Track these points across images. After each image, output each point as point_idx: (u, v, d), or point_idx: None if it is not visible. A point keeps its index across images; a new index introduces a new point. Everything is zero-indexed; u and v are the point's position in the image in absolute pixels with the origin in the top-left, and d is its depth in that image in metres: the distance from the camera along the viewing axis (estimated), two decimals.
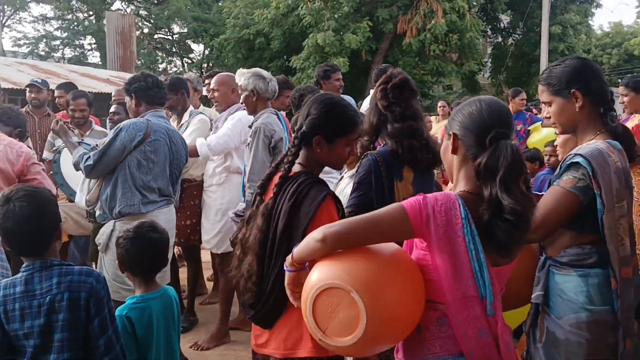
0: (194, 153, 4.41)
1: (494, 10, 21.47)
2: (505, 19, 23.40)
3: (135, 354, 2.54)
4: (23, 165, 3.58)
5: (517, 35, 23.02)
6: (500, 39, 24.23)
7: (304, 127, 2.22)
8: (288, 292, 1.93)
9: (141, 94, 3.88)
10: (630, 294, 2.16)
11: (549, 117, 2.39)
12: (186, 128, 4.80)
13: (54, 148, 5.00)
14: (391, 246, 1.80)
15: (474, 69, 19.41)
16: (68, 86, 6.40)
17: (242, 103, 4.21)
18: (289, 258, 1.88)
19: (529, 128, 6.79)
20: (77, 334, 2.20)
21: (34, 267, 2.21)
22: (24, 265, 2.24)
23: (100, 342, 2.24)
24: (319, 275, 1.74)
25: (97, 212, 3.93)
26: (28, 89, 6.11)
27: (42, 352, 2.19)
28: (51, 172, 4.61)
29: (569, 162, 2.19)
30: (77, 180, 4.17)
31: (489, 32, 23.52)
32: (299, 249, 1.83)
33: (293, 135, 2.28)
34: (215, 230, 4.54)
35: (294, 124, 2.33)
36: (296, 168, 2.23)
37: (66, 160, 4.48)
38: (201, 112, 4.99)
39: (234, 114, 4.50)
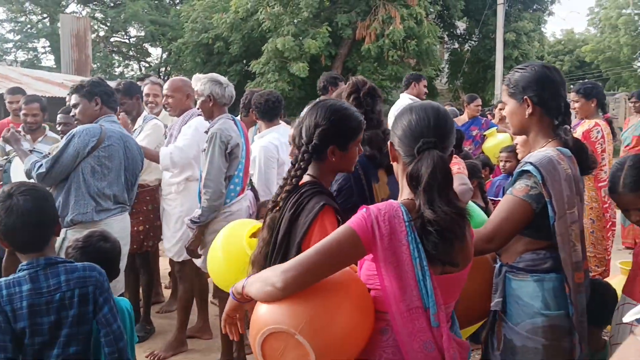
0: (155, 160, 4.34)
1: (451, 17, 21.82)
2: (461, 25, 23.83)
3: None
4: None
5: (473, 42, 23.46)
6: (456, 45, 24.67)
7: (315, 140, 2.13)
8: (223, 318, 1.91)
9: (106, 99, 3.82)
10: (582, 299, 2.21)
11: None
12: (139, 133, 4.74)
13: (4, 157, 4.85)
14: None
15: (431, 74, 19.67)
16: (16, 90, 6.22)
17: (198, 108, 4.16)
18: (238, 287, 1.84)
19: (485, 133, 6.90)
20: (84, 329, 2.28)
21: (37, 264, 2.24)
22: (25, 263, 2.25)
23: (114, 327, 2.34)
24: (264, 315, 1.71)
25: None
26: None
27: (47, 349, 2.22)
28: (0, 182, 4.48)
29: (519, 170, 2.24)
30: None
31: (446, 39, 23.90)
32: (252, 290, 1.77)
33: (301, 147, 2.17)
34: (176, 238, 4.47)
35: (295, 135, 2.23)
36: (305, 179, 2.17)
37: (17, 169, 4.37)
38: (155, 117, 4.92)
39: (190, 123, 4.44)
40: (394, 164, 1.90)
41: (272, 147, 4.51)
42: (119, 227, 3.69)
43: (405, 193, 1.82)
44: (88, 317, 2.29)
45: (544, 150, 2.26)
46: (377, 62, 17.90)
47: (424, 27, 17.36)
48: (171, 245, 4.52)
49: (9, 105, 6.14)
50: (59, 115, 4.91)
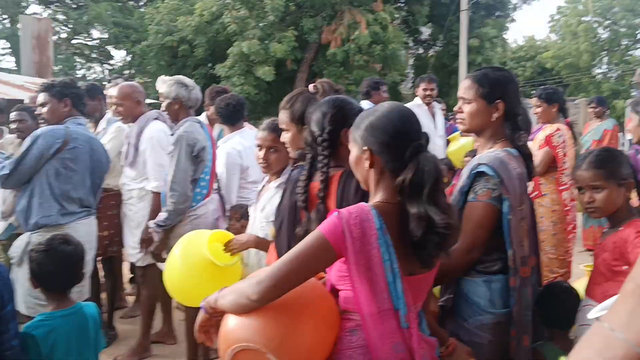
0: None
1: (415, 23, 22.02)
2: (426, 31, 24.06)
3: None
4: None
5: (437, 48, 23.71)
6: (421, 51, 24.90)
7: (327, 127, 2.16)
8: (197, 329, 1.90)
9: (76, 101, 3.75)
10: (527, 293, 2.32)
11: (461, 112, 2.46)
12: (103, 136, 4.66)
13: None
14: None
15: (396, 79, 19.83)
16: None
17: (164, 111, 4.12)
18: (210, 300, 1.84)
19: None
20: None
21: None
22: None
23: (11, 325, 2.33)
24: (234, 330, 1.74)
25: None
26: None
27: None
28: None
29: (474, 172, 2.29)
30: None
31: (411, 44, 24.12)
32: (225, 302, 1.77)
33: (318, 141, 2.19)
34: (137, 242, 4.39)
35: (307, 136, 2.25)
36: (337, 169, 2.19)
37: None
38: (118, 120, 4.84)
39: (147, 135, 4.33)
40: (363, 170, 1.87)
41: (234, 152, 4.46)
42: (85, 231, 3.63)
43: (378, 196, 1.82)
44: None
45: (494, 151, 2.34)
46: (343, 66, 17.97)
47: (389, 33, 17.51)
48: (133, 250, 4.45)
49: None
50: (13, 113, 4.74)
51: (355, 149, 1.88)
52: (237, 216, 4.02)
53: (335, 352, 1.77)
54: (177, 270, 3.09)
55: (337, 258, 1.73)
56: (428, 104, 6.58)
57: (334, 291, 1.84)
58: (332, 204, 2.14)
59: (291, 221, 2.35)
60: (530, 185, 3.03)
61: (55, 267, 2.56)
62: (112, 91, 5.04)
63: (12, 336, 2.34)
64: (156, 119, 4.43)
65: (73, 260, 2.63)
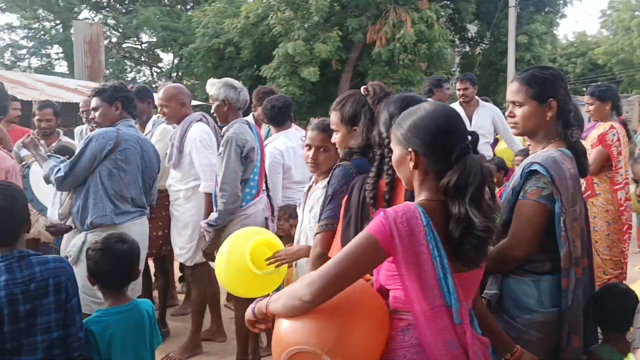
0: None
1: (462, 21, 21.74)
2: (472, 29, 23.74)
3: None
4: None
5: (484, 45, 23.36)
6: (468, 49, 24.58)
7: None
8: (248, 324, 1.94)
9: (126, 104, 3.87)
10: (578, 294, 2.30)
11: (513, 116, 2.43)
12: (150, 138, 4.76)
13: (23, 163, 4.90)
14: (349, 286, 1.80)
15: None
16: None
17: (212, 113, 4.20)
18: (262, 306, 1.86)
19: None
20: (60, 315, 2.40)
21: (12, 256, 2.36)
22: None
23: (77, 318, 2.46)
24: (289, 334, 1.77)
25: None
26: None
27: (25, 336, 2.32)
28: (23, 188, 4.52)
29: (527, 171, 2.27)
30: (47, 194, 4.11)
31: (457, 42, 23.82)
32: (277, 306, 1.80)
33: (385, 143, 2.19)
34: (186, 243, 4.50)
35: (375, 135, 2.30)
36: None
37: (36, 174, 4.42)
38: (164, 121, 4.94)
39: (191, 136, 4.40)
40: (406, 170, 1.86)
41: (276, 152, 4.53)
42: (139, 231, 3.72)
43: (423, 195, 1.83)
44: (62, 305, 2.42)
45: (547, 151, 2.33)
46: (388, 65, 17.86)
47: (435, 31, 17.31)
48: (181, 250, 4.54)
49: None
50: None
51: (399, 149, 1.88)
52: (286, 216, 4.07)
53: (388, 351, 1.78)
54: (224, 267, 3.22)
55: (387, 257, 1.74)
56: (465, 103, 6.45)
57: (383, 291, 1.85)
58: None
59: (359, 217, 2.37)
60: (583, 183, 2.99)
61: (112, 264, 2.66)
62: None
63: (78, 329, 2.46)
64: (200, 120, 4.50)
65: (128, 259, 2.72)
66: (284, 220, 4.11)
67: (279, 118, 4.68)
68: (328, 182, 2.71)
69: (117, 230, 3.41)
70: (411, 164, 1.82)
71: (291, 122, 4.83)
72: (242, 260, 3.21)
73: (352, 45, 18.23)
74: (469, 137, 1.82)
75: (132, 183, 3.79)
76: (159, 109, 4.59)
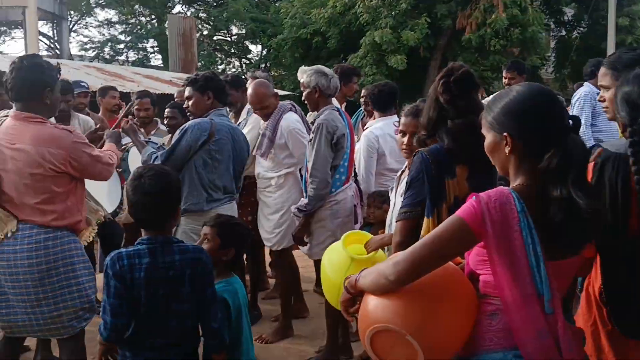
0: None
1: (558, 3, 20.84)
2: (569, 11, 22.68)
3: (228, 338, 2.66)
4: (67, 153, 3.11)
5: (581, 29, 22.28)
6: (564, 33, 23.51)
7: None
8: (342, 308, 1.96)
9: (218, 93, 3.97)
10: None
11: (603, 100, 2.35)
12: (244, 126, 4.87)
13: (122, 147, 5.17)
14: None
15: (536, 63, 18.86)
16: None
17: (304, 100, 4.25)
18: (352, 280, 1.89)
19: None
20: (194, 305, 2.48)
21: (156, 241, 2.46)
22: (144, 238, 2.48)
23: (212, 309, 2.53)
24: (375, 311, 1.78)
25: None
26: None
27: (160, 319, 2.44)
28: (119, 169, 4.75)
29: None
30: None
31: (552, 26, 22.84)
32: (366, 282, 1.82)
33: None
34: (273, 228, 4.58)
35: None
36: None
37: (134, 159, 4.63)
38: None
39: (285, 126, 4.47)
40: (501, 156, 1.80)
41: (372, 137, 4.57)
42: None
43: (518, 180, 1.77)
44: (195, 295, 2.49)
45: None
46: (478, 52, 17.41)
47: (529, 15, 16.67)
48: (269, 235, 4.64)
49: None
50: (166, 110, 5.11)
51: (491, 134, 1.83)
52: (376, 203, 4.06)
53: (475, 335, 1.76)
54: (328, 277, 3.19)
55: (477, 242, 1.72)
56: None
57: (474, 276, 1.82)
58: None
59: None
60: None
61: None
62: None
63: (212, 319, 2.54)
64: (290, 110, 4.58)
65: (247, 241, 2.92)
66: (374, 207, 4.10)
67: (384, 103, 4.71)
68: (409, 169, 2.69)
69: (207, 215, 3.53)
70: (507, 149, 1.76)
71: (395, 109, 4.81)
72: (340, 255, 3.18)
73: (440, 31, 17.89)
74: (570, 122, 1.75)
75: (224, 172, 3.91)
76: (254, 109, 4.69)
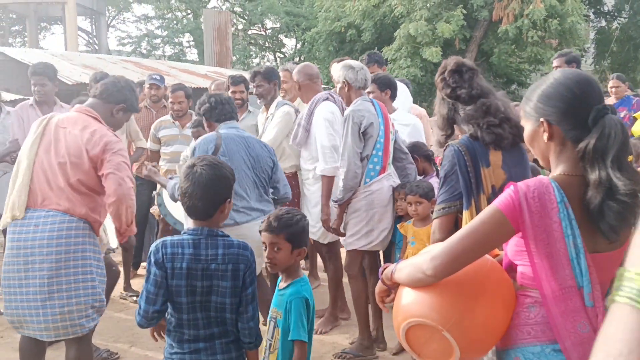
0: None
1: None
2: (609, 1, 22.14)
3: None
4: (100, 153, 3.28)
5: (622, 19, 21.71)
6: (604, 23, 22.94)
7: None
8: (377, 299, 1.96)
9: (208, 115, 4.05)
10: None
11: None
12: (271, 120, 4.91)
13: (169, 177, 5.21)
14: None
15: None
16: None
17: (339, 95, 4.29)
18: (387, 272, 1.88)
19: (635, 115, 6.41)
20: (234, 300, 2.47)
21: (201, 232, 2.46)
22: (191, 229, 2.49)
23: (250, 308, 2.51)
24: (411, 305, 1.77)
25: None
26: (147, 86, 6.40)
27: (200, 310, 2.44)
28: (155, 205, 4.92)
29: None
30: (180, 208, 4.37)
31: (592, 17, 22.31)
32: (402, 275, 1.81)
33: None
34: (316, 221, 4.56)
35: None
36: None
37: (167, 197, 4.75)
38: (287, 103, 5.05)
39: (317, 116, 4.53)
40: (541, 144, 1.78)
41: None
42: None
43: (558, 169, 1.74)
44: (238, 291, 2.47)
45: None
46: (515, 44, 17.12)
47: (568, 5, 16.28)
48: (313, 228, 4.63)
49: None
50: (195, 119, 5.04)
51: (530, 123, 1.80)
52: (401, 196, 4.06)
53: (513, 327, 1.74)
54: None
55: (514, 233, 1.69)
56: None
57: (511, 267, 1.80)
58: None
59: None
60: None
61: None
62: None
63: (250, 318, 2.53)
64: (326, 99, 4.57)
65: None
66: (401, 201, 4.10)
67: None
68: (441, 165, 2.67)
69: (240, 231, 3.60)
70: (545, 136, 1.74)
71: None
72: None
73: (476, 23, 17.63)
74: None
75: (242, 179, 3.85)
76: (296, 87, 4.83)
